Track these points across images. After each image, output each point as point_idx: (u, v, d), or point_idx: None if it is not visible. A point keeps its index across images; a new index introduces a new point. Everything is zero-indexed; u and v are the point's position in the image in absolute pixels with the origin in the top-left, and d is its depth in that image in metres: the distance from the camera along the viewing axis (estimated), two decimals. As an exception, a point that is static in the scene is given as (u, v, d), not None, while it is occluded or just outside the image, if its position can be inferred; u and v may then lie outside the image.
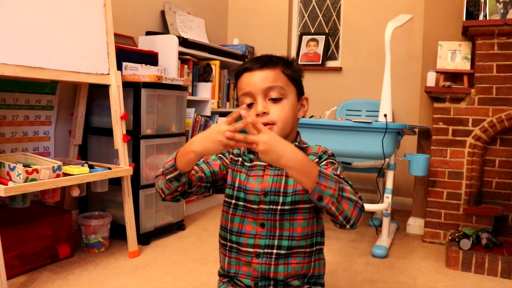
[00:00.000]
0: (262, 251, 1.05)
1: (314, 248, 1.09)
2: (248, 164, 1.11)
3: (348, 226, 0.94)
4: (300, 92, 1.11)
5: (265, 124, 1.02)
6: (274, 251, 1.05)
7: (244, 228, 1.08)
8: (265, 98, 1.04)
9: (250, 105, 1.05)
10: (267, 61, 1.06)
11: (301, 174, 0.88)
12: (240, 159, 1.13)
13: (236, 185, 1.10)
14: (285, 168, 0.89)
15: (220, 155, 1.16)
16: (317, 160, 1.08)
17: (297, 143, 1.09)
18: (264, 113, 1.02)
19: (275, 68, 1.06)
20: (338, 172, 1.04)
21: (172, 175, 1.00)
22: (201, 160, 1.13)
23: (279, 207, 1.05)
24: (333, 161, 1.09)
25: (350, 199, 0.93)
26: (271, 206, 1.05)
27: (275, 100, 1.04)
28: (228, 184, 1.12)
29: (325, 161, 1.08)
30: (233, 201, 1.10)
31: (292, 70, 1.09)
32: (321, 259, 1.13)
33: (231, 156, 1.14)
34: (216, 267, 1.77)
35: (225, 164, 1.13)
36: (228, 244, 1.10)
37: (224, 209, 1.13)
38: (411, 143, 2.88)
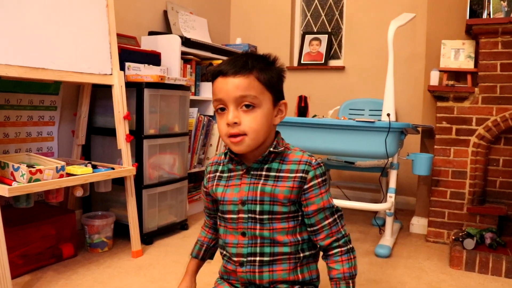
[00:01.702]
0: (245, 259, 1.06)
1: (302, 255, 1.07)
2: (226, 175, 1.11)
3: None
4: (277, 97, 1.05)
5: (236, 135, 0.99)
6: (257, 258, 1.05)
7: (227, 238, 1.10)
8: (237, 106, 0.99)
9: (222, 110, 1.02)
10: (242, 66, 0.99)
11: None
12: (218, 173, 1.13)
13: (218, 198, 1.11)
14: None
15: (204, 190, 1.18)
16: (299, 175, 1.02)
17: (271, 148, 1.04)
18: (235, 123, 0.99)
19: (249, 75, 0.99)
20: (329, 200, 1.06)
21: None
22: (206, 207, 1.22)
23: (257, 216, 1.04)
24: (325, 183, 1.06)
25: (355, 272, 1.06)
26: (249, 215, 1.05)
27: (247, 108, 0.99)
28: (215, 198, 1.14)
29: (318, 188, 1.04)
30: (219, 214, 1.13)
31: (270, 74, 1.03)
32: (311, 263, 1.10)
33: (209, 175, 1.15)
34: (218, 267, 1.78)
35: (210, 197, 1.17)
36: (223, 252, 1.14)
37: (217, 221, 1.17)
38: (415, 142, 2.87)
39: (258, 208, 1.04)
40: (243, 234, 1.06)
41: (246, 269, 1.05)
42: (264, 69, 1.02)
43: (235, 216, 1.07)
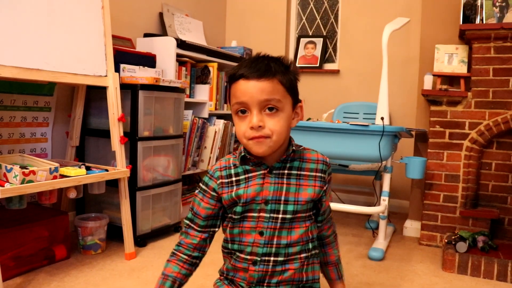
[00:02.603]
0: (259, 259, 1.05)
1: (309, 254, 1.10)
2: (243, 176, 1.08)
3: None
4: (295, 100, 1.07)
5: (259, 137, 0.99)
6: (272, 258, 1.05)
7: (244, 237, 1.08)
8: (261, 110, 1.00)
9: (243, 112, 1.01)
10: (266, 71, 1.00)
11: None
12: (233, 178, 1.09)
13: (240, 200, 1.07)
14: None
15: (203, 196, 1.12)
16: (319, 174, 1.09)
17: (293, 147, 1.08)
18: (259, 126, 0.99)
19: (273, 79, 1.00)
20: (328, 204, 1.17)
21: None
22: (196, 217, 1.13)
23: (280, 216, 1.05)
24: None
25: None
26: (272, 215, 1.05)
27: (271, 111, 1.00)
28: (228, 206, 1.09)
29: (329, 188, 1.14)
30: (234, 216, 1.09)
31: (290, 77, 1.04)
32: (315, 263, 1.13)
33: (221, 181, 1.09)
34: (213, 269, 1.77)
35: (210, 202, 1.11)
36: (231, 251, 1.12)
37: (224, 224, 1.14)
38: (408, 146, 2.89)
39: (282, 207, 1.05)
40: (261, 234, 1.05)
41: (259, 268, 1.05)
42: (285, 72, 1.03)
43: (255, 214, 1.06)
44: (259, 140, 0.99)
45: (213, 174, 1.11)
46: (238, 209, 1.07)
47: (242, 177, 1.08)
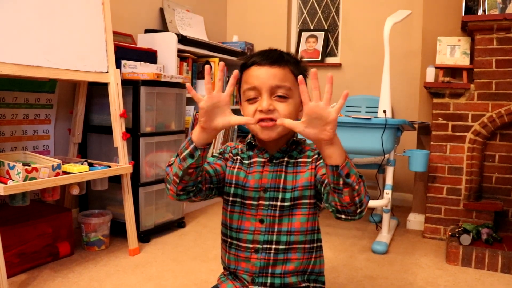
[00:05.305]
0: (261, 246, 1.06)
1: (315, 245, 1.10)
2: (247, 162, 1.12)
3: (359, 211, 0.91)
4: None
5: (268, 120, 1.01)
6: (273, 246, 1.06)
7: (243, 224, 1.09)
8: (271, 95, 1.02)
9: (253, 99, 1.03)
10: (278, 58, 1.03)
11: (338, 147, 0.87)
12: (239, 157, 1.13)
13: (234, 182, 1.10)
14: (326, 138, 0.86)
15: (219, 155, 1.16)
16: (316, 157, 1.09)
17: (295, 138, 1.11)
18: (269, 110, 1.01)
19: (285, 67, 1.03)
20: None
21: (187, 151, 0.94)
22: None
23: (278, 203, 1.06)
24: None
25: (365, 183, 0.93)
26: (270, 202, 1.06)
27: (280, 98, 1.02)
28: (226, 182, 1.12)
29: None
30: (231, 198, 1.11)
31: (300, 70, 1.07)
32: (321, 256, 1.14)
33: (230, 154, 1.15)
34: (216, 264, 1.77)
35: (223, 164, 1.13)
36: (229, 240, 1.12)
37: (224, 206, 1.14)
38: (411, 139, 2.88)
39: (280, 195, 1.06)
40: (261, 221, 1.07)
41: (261, 256, 1.06)
42: (296, 64, 1.07)
43: (255, 202, 1.07)
44: (268, 124, 1.01)
45: (225, 148, 1.17)
46: (235, 190, 1.09)
47: (246, 161, 1.12)
